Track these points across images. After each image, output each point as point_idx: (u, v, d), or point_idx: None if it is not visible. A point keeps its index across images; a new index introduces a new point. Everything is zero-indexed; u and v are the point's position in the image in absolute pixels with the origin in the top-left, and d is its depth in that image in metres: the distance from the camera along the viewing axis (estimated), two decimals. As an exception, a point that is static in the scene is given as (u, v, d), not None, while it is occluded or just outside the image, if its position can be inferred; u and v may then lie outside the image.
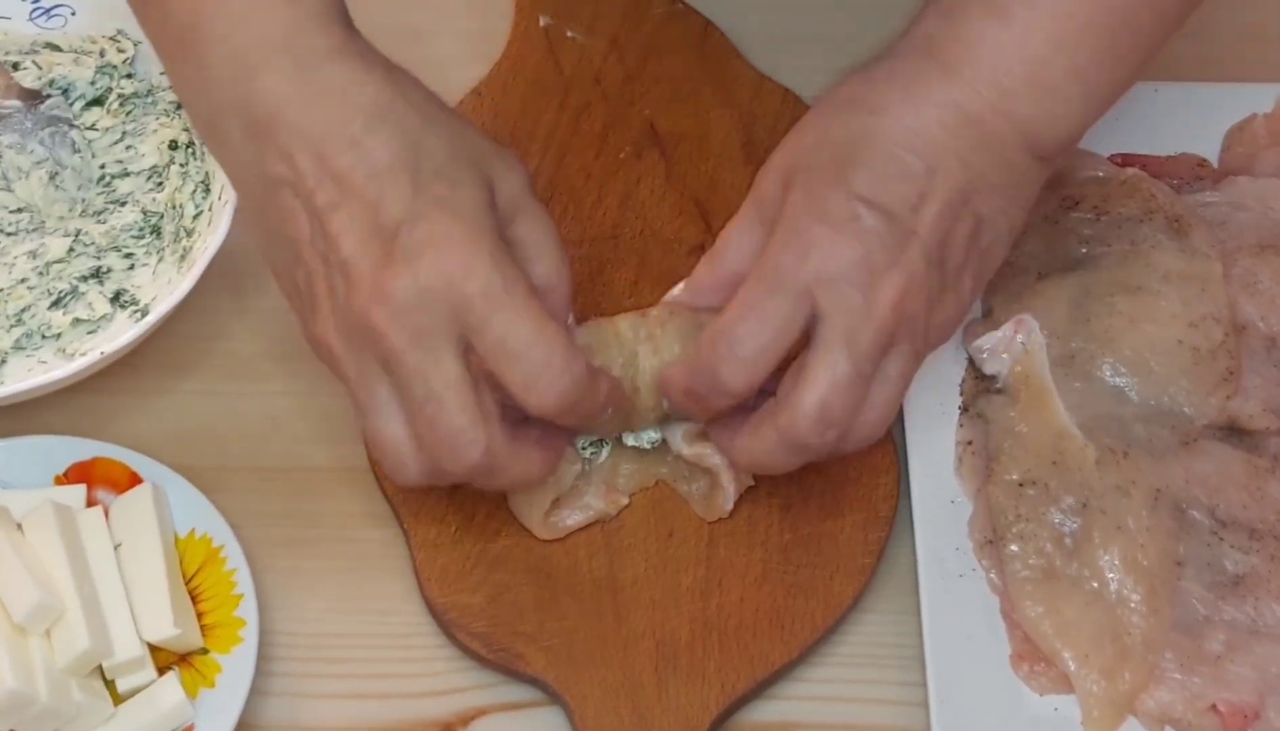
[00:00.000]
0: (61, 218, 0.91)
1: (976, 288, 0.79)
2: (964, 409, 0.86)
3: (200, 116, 0.77)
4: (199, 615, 0.79)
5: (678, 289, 0.82)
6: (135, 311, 0.88)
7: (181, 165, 0.92)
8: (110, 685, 0.77)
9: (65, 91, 0.95)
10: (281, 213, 0.74)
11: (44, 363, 0.86)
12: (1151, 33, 0.79)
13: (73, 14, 0.96)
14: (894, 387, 0.76)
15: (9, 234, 0.90)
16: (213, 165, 0.91)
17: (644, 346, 0.79)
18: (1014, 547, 0.80)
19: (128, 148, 0.93)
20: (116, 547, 0.79)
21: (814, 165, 0.76)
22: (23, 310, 0.87)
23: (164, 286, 0.88)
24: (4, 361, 0.86)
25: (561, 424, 0.76)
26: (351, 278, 0.72)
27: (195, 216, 0.90)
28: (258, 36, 0.74)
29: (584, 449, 0.83)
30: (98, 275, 0.89)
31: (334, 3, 0.76)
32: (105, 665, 0.77)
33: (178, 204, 0.91)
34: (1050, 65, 0.76)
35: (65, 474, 0.83)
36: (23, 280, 0.88)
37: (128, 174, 0.92)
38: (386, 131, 0.73)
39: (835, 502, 0.83)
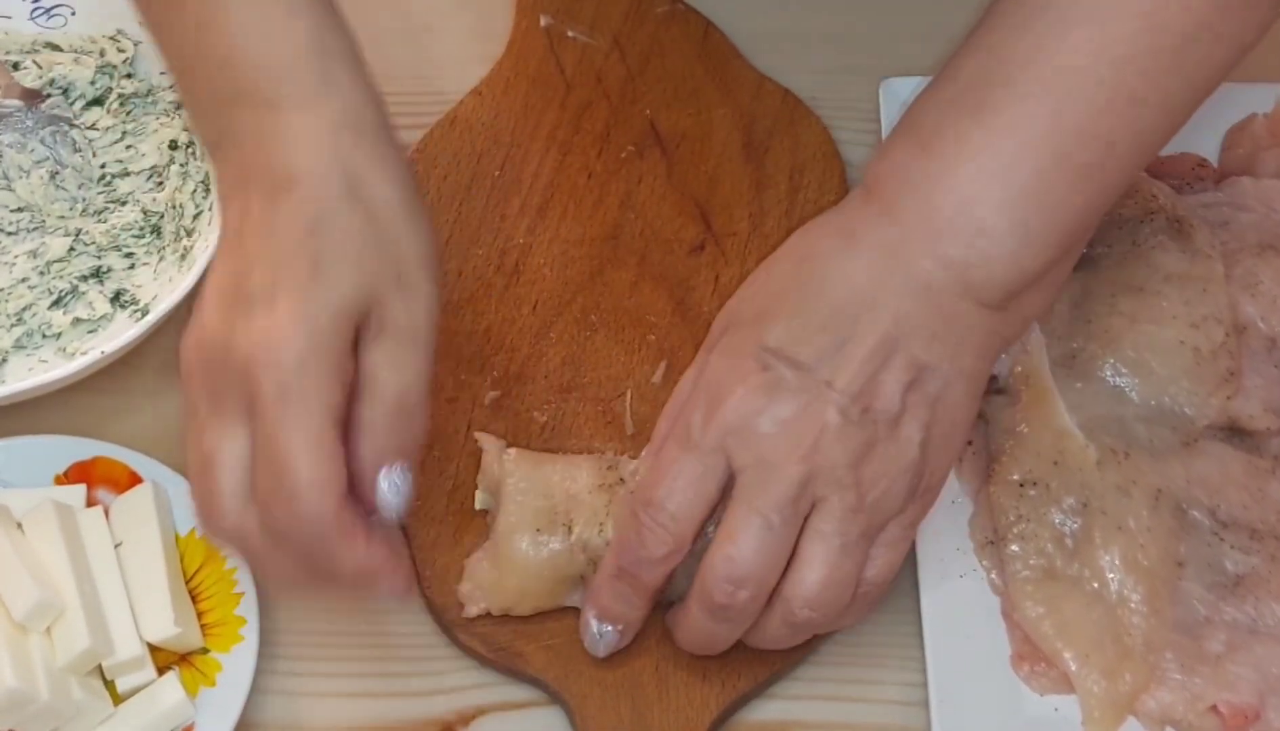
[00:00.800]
0: (62, 217, 0.91)
1: (933, 439, 0.73)
2: (964, 409, 0.86)
3: (203, 142, 0.78)
4: (199, 614, 0.79)
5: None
6: (135, 311, 0.88)
7: (182, 165, 0.92)
8: (110, 685, 0.77)
9: (65, 91, 0.95)
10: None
11: (44, 362, 0.86)
12: (1105, 166, 0.72)
13: (73, 14, 0.96)
14: (827, 544, 0.72)
15: (9, 233, 0.90)
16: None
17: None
18: (1015, 548, 0.80)
19: (128, 147, 0.93)
20: (117, 547, 0.79)
21: (740, 320, 0.74)
22: (23, 309, 0.87)
23: (164, 286, 0.88)
24: (4, 361, 0.86)
25: (304, 560, 0.71)
26: (201, 313, 0.71)
27: (195, 216, 0.90)
28: (231, 80, 0.73)
29: None
30: (98, 275, 0.89)
31: (328, 42, 0.74)
32: (105, 664, 0.77)
33: (178, 204, 0.91)
34: (979, 202, 0.71)
35: (66, 473, 0.83)
36: (23, 279, 0.88)
37: (128, 173, 0.92)
38: (299, 194, 0.71)
39: (836, 502, 0.83)
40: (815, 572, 0.72)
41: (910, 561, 0.81)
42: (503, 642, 0.80)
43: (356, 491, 0.71)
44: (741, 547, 0.72)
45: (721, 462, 0.73)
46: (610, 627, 0.77)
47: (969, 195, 0.71)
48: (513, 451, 0.80)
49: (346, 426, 0.70)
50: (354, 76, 0.74)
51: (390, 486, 0.71)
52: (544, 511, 0.78)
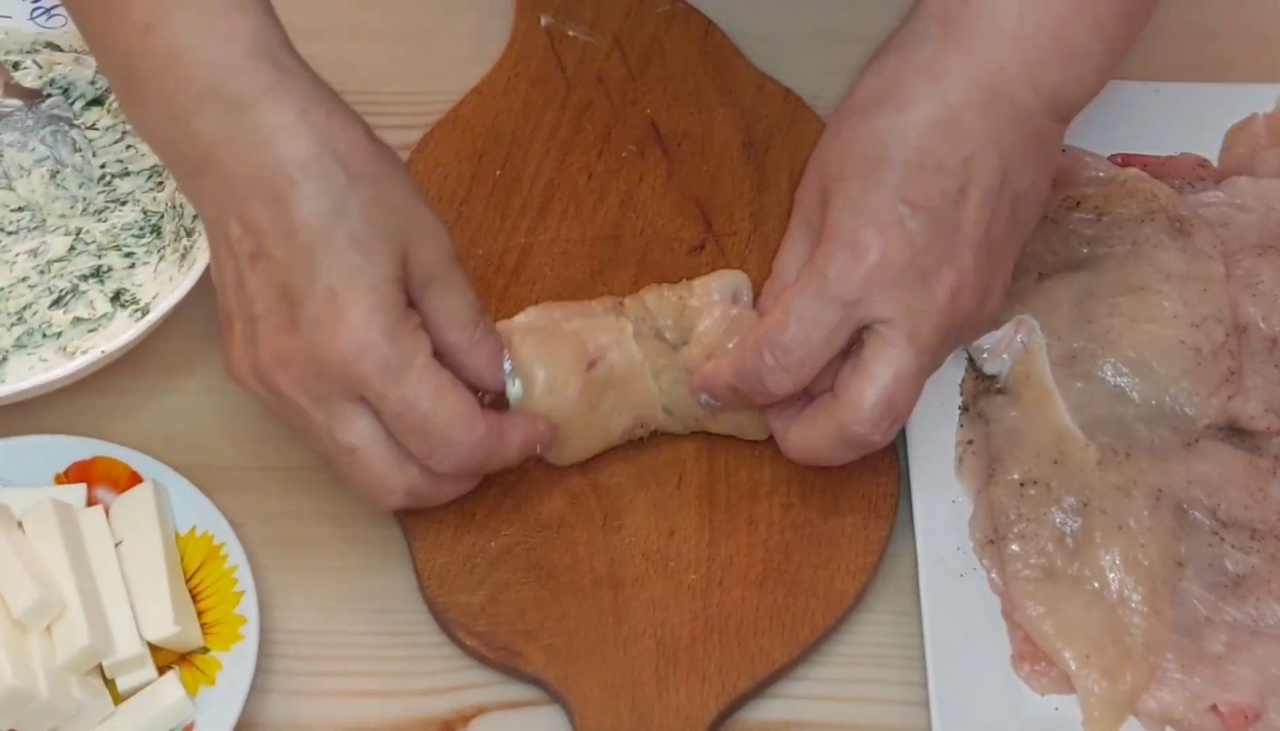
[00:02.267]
0: (62, 216, 0.91)
1: (1012, 263, 0.79)
2: (964, 408, 0.86)
3: (152, 147, 0.79)
4: (199, 613, 0.79)
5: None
6: (136, 310, 0.88)
7: (182, 164, 0.92)
8: (110, 684, 0.77)
9: (66, 91, 0.95)
10: (215, 250, 0.76)
11: (45, 361, 0.86)
12: None
13: (73, 13, 0.96)
14: (937, 364, 0.78)
15: (10, 232, 0.90)
16: (213, 164, 0.91)
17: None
18: (1015, 547, 0.80)
19: (128, 147, 0.93)
20: (117, 546, 0.79)
21: (849, 172, 0.76)
22: (24, 308, 0.87)
23: (164, 285, 0.88)
24: (5, 360, 0.86)
25: (471, 481, 0.80)
26: (259, 337, 0.74)
27: (195, 216, 0.90)
28: (185, 81, 0.74)
29: None
30: (98, 274, 0.89)
31: (271, 35, 0.75)
32: (105, 663, 0.77)
33: (178, 203, 0.91)
34: (1074, 27, 0.75)
35: (66, 472, 0.83)
36: (23, 279, 0.88)
37: (128, 173, 0.92)
38: (308, 188, 0.73)
39: (836, 502, 0.83)
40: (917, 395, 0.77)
41: (911, 560, 0.82)
42: (503, 641, 0.80)
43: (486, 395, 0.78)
44: (900, 387, 0.75)
45: (855, 315, 0.75)
46: (713, 401, 0.81)
47: (1064, 19, 0.75)
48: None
49: (447, 359, 0.76)
50: (296, 59, 0.76)
51: (511, 369, 0.79)
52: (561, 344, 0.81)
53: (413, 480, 0.77)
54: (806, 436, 0.78)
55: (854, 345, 0.76)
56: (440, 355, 0.76)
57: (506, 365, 0.80)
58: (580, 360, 0.82)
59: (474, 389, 0.77)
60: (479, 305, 0.78)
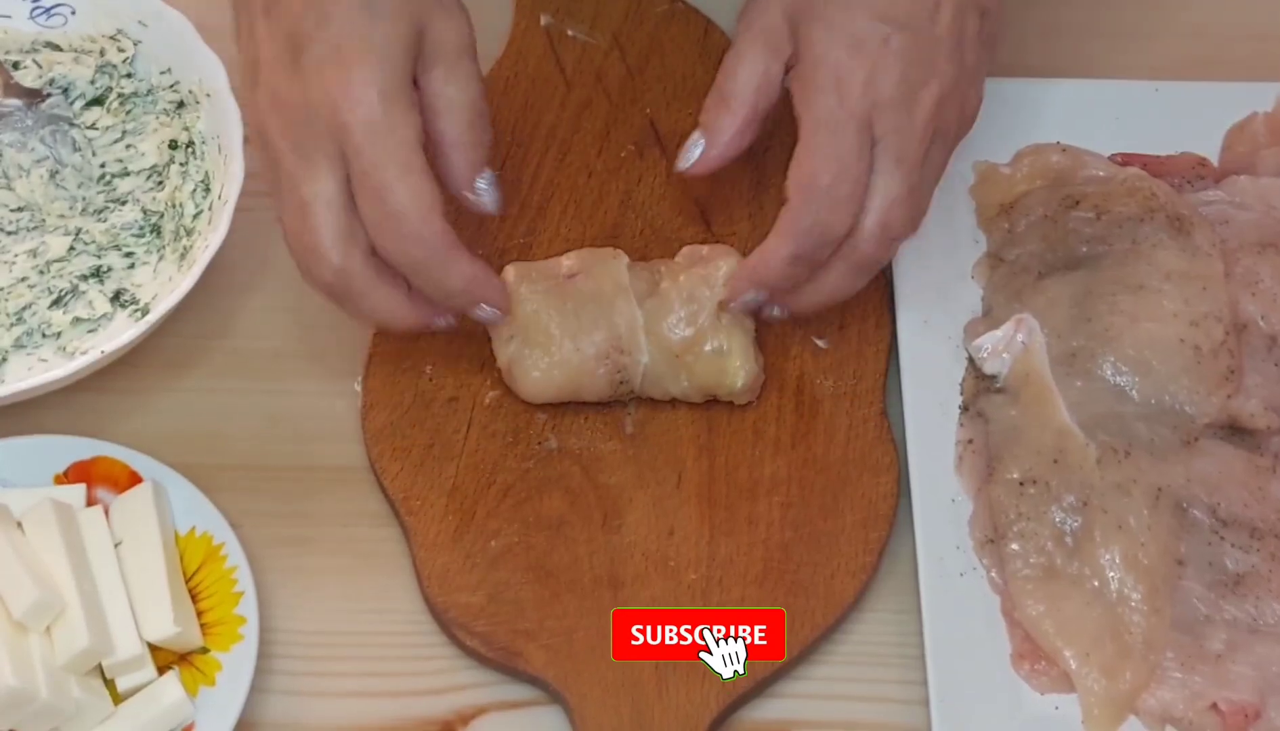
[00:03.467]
0: (62, 216, 0.91)
1: (984, 71, 0.82)
2: (964, 408, 0.86)
3: None
4: (199, 613, 0.79)
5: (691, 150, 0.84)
6: (135, 310, 0.88)
7: (181, 164, 0.92)
8: (110, 684, 0.77)
9: (65, 90, 0.94)
10: (234, 5, 0.80)
11: (44, 361, 0.86)
12: None
13: (73, 13, 0.96)
14: (935, 173, 0.81)
15: (9, 232, 0.90)
16: (212, 164, 0.91)
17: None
18: (1015, 546, 0.80)
19: (128, 147, 0.93)
20: (117, 546, 0.79)
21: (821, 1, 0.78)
22: (23, 309, 0.87)
23: (164, 285, 0.88)
24: (4, 360, 0.86)
25: (415, 283, 0.78)
26: (260, 79, 0.76)
27: (195, 215, 0.90)
28: None
29: None
30: (98, 274, 0.89)
31: None
32: (105, 663, 0.77)
33: (178, 203, 0.91)
34: None
35: (65, 473, 0.83)
36: (23, 279, 0.88)
37: (128, 173, 0.92)
38: None
39: (835, 502, 0.83)
40: (925, 202, 0.81)
41: (911, 559, 0.82)
42: (502, 641, 0.80)
43: (462, 200, 0.79)
44: (896, 211, 0.79)
45: (869, 133, 0.78)
46: (760, 296, 0.82)
47: None
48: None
49: (433, 149, 0.77)
50: None
51: (487, 185, 0.79)
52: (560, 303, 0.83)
53: (350, 262, 0.76)
54: (818, 282, 0.81)
55: None
56: (428, 145, 0.77)
57: (487, 188, 0.79)
58: (560, 271, 0.84)
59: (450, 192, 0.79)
60: (480, 108, 0.79)
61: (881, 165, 0.78)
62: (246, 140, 0.87)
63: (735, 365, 0.83)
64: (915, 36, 0.78)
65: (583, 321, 0.83)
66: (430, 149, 0.77)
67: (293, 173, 0.76)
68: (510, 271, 0.84)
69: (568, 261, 0.85)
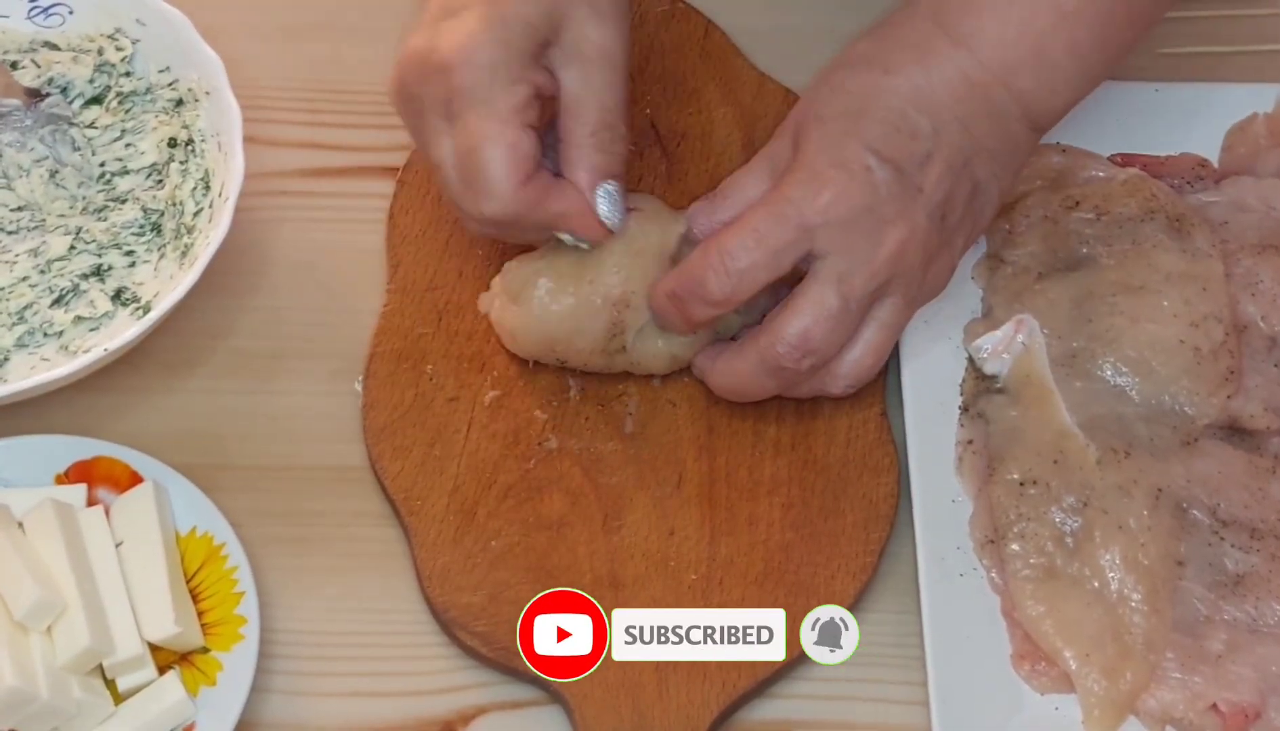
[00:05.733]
0: (62, 215, 0.91)
1: (966, 246, 0.83)
2: (964, 408, 0.86)
3: None
4: (200, 613, 0.79)
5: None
6: (137, 309, 0.87)
7: (181, 162, 0.92)
8: (111, 684, 0.77)
9: (64, 90, 0.94)
10: None
11: (46, 360, 0.86)
12: (1146, 12, 0.82)
13: (70, 13, 0.96)
14: (886, 332, 0.81)
15: (10, 232, 0.90)
16: (212, 162, 0.91)
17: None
18: (1015, 547, 0.80)
19: (127, 145, 0.93)
20: (117, 546, 0.79)
21: (829, 115, 0.79)
22: (25, 308, 0.87)
23: (165, 283, 0.88)
24: (6, 360, 0.86)
25: (505, 238, 0.84)
26: (405, 39, 0.80)
27: (196, 213, 0.90)
28: None
29: None
30: (99, 273, 0.89)
31: None
32: (106, 663, 0.77)
33: (178, 201, 0.91)
34: (1052, 41, 0.79)
35: (66, 473, 0.83)
36: (24, 278, 0.88)
37: (127, 171, 0.92)
38: None
39: (836, 502, 0.83)
40: (870, 356, 0.81)
41: (911, 559, 0.82)
42: (503, 642, 0.80)
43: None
44: (820, 324, 0.79)
45: (807, 243, 0.78)
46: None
47: (1044, 32, 0.79)
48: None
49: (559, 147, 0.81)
50: None
51: (606, 199, 0.81)
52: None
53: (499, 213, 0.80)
54: (731, 363, 0.82)
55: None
56: (557, 136, 0.80)
57: (605, 199, 0.80)
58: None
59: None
60: (609, 120, 0.80)
61: (819, 277, 0.78)
62: (247, 137, 0.87)
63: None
64: (899, 176, 0.78)
65: (606, 267, 0.83)
66: (558, 141, 0.81)
67: (422, 139, 0.80)
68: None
69: (636, 198, 0.85)
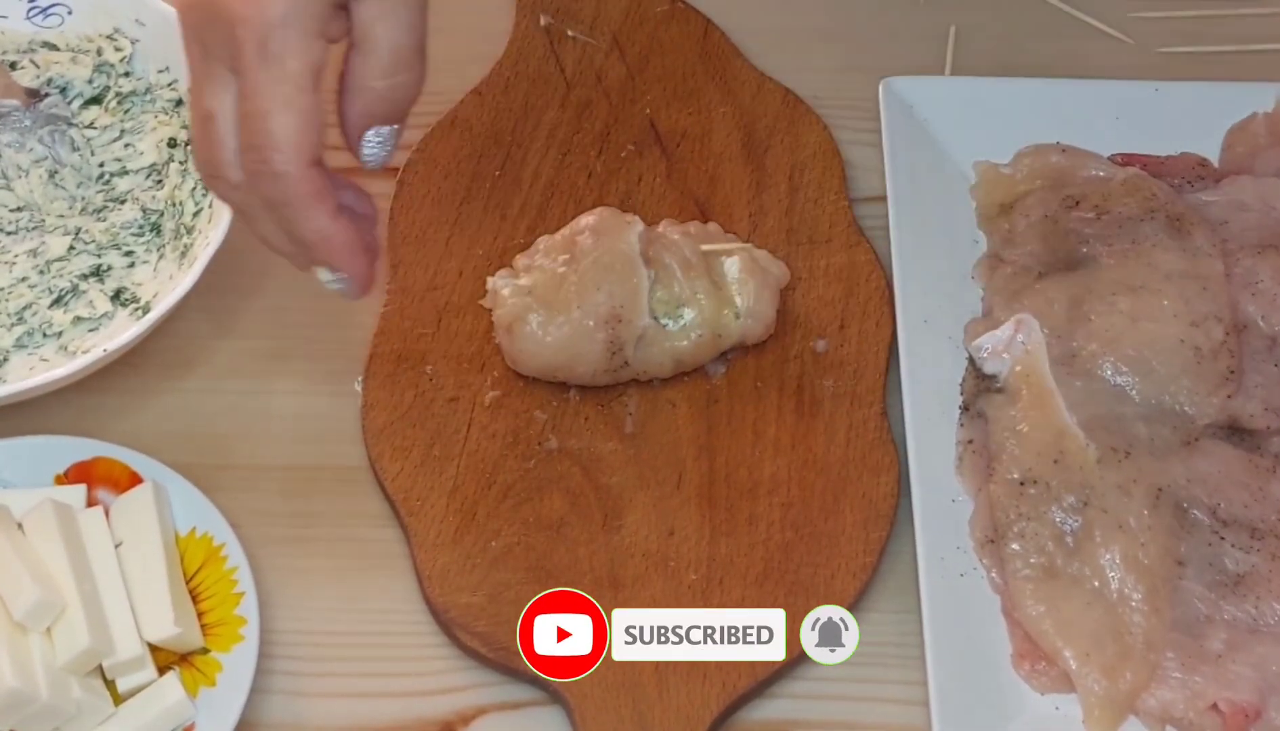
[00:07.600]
0: (61, 216, 0.91)
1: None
2: (964, 408, 0.86)
3: None
4: (200, 614, 0.79)
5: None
6: (136, 309, 0.87)
7: (181, 163, 0.92)
8: (111, 685, 0.77)
9: (63, 90, 0.94)
10: None
11: (46, 360, 0.86)
12: None
13: (69, 13, 0.96)
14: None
15: (9, 232, 0.90)
16: (212, 163, 0.91)
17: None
18: (1015, 546, 0.80)
19: (126, 146, 0.93)
20: (117, 547, 0.79)
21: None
22: (24, 308, 0.87)
23: (165, 283, 0.88)
24: (5, 360, 0.86)
25: (274, 220, 0.74)
26: None
27: (195, 214, 0.90)
28: None
29: None
30: (98, 273, 0.89)
31: None
32: (105, 664, 0.77)
33: (177, 201, 0.91)
34: None
35: (66, 473, 0.83)
36: (23, 278, 0.88)
37: (127, 172, 0.92)
38: None
39: (836, 502, 0.83)
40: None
41: (911, 559, 0.82)
42: (503, 642, 0.80)
43: (350, 146, 0.74)
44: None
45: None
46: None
47: None
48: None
49: (342, 82, 0.73)
50: None
51: (376, 138, 0.74)
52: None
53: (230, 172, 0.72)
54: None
55: None
56: (342, 83, 0.73)
57: (376, 141, 0.74)
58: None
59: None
60: (404, 59, 0.72)
61: None
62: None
63: (733, 293, 0.85)
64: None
65: (586, 286, 0.83)
66: (341, 79, 0.73)
67: (199, 83, 0.72)
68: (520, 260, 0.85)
69: (587, 218, 0.85)
